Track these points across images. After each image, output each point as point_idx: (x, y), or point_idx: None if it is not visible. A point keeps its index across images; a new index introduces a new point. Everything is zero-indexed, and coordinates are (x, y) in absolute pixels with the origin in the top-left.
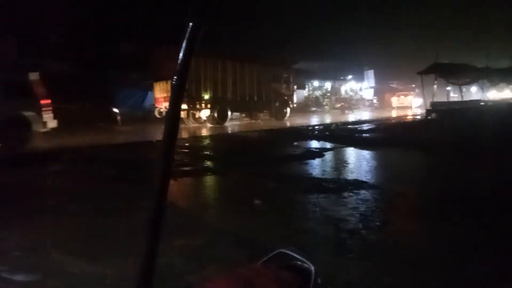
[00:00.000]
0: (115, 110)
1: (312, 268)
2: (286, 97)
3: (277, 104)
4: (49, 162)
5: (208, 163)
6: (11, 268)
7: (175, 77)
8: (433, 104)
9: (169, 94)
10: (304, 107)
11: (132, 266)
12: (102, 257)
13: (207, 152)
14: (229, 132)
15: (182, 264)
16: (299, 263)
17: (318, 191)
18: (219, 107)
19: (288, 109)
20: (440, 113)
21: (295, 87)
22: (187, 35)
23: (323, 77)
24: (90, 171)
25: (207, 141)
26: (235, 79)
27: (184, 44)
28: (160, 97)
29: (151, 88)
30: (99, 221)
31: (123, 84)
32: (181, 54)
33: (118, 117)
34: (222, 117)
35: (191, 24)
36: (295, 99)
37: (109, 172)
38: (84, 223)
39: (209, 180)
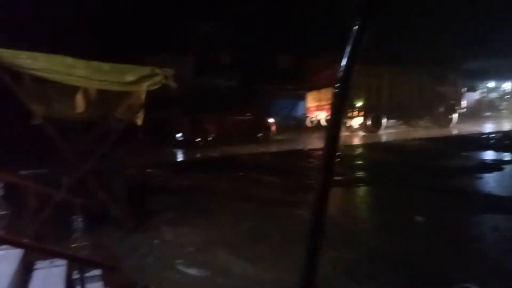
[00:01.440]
0: (271, 120)
1: None
2: (452, 101)
3: (441, 109)
4: (217, 168)
5: (361, 173)
6: (186, 262)
7: (337, 85)
8: None
9: (320, 103)
10: (476, 112)
11: (289, 273)
12: (262, 260)
13: (360, 162)
14: (384, 140)
15: (336, 277)
16: None
17: (497, 211)
18: (373, 114)
19: (455, 115)
20: None
21: (464, 89)
22: (351, 40)
23: (500, 76)
24: (253, 177)
25: (359, 150)
26: (390, 84)
27: (347, 49)
28: (312, 106)
29: (302, 98)
30: (261, 224)
31: (278, 95)
32: (344, 61)
33: (273, 127)
34: (376, 125)
35: (355, 28)
36: (463, 103)
37: (268, 179)
38: (248, 225)
39: (363, 191)
